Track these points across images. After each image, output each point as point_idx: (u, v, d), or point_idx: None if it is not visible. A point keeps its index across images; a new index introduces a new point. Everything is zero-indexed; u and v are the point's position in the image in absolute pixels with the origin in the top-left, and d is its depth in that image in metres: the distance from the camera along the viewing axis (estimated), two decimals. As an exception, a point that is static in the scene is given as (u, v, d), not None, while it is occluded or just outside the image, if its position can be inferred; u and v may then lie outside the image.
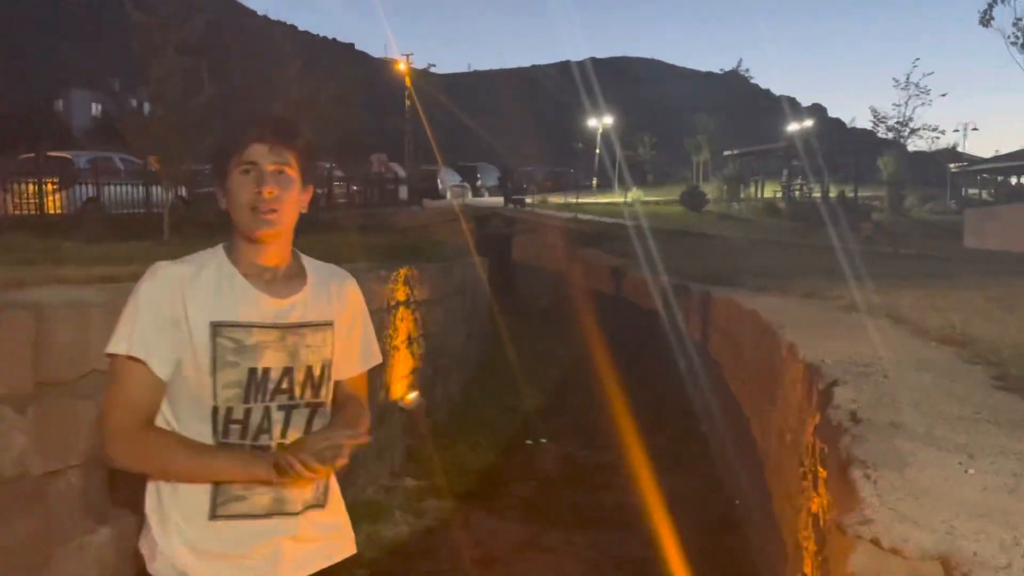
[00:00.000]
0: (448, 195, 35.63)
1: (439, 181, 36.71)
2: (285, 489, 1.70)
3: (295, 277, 1.79)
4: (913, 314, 4.72)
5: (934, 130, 23.97)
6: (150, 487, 1.73)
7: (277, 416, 1.71)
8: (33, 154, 17.90)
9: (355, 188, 26.56)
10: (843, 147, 40.02)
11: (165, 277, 1.68)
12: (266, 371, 1.69)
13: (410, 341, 7.33)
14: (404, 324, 7.06)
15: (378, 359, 1.97)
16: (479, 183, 43.77)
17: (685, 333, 9.80)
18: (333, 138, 22.50)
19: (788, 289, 7.09)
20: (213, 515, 1.67)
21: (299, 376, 1.73)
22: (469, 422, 8.60)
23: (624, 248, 17.45)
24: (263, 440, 1.70)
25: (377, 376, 6.59)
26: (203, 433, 1.67)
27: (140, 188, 17.29)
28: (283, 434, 1.71)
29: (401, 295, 7.01)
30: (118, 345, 1.66)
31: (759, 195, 40.37)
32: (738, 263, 12.61)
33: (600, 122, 45.90)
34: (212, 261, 1.73)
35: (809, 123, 44.43)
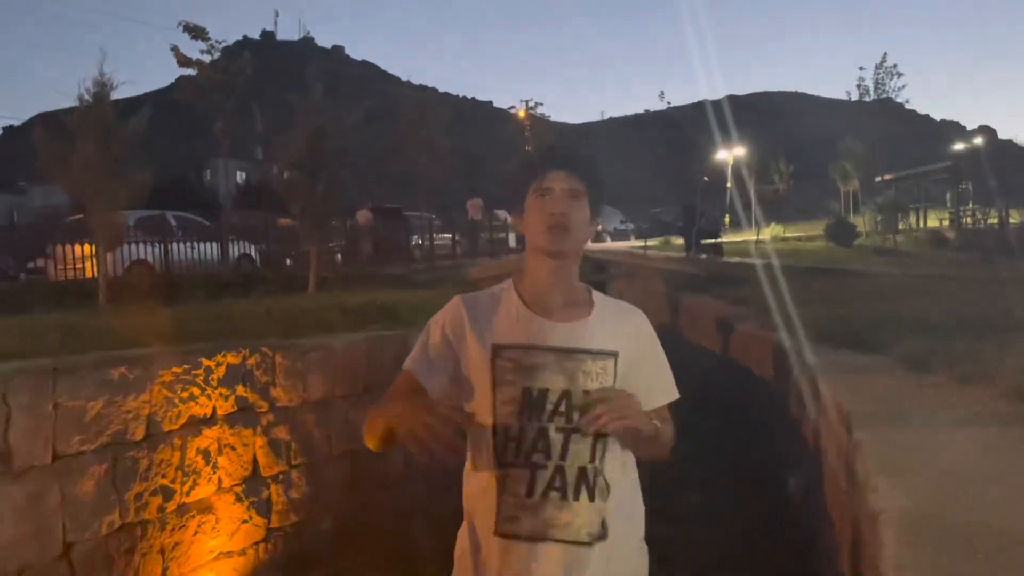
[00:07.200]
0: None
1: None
2: (551, 510, 1.71)
3: (579, 305, 1.84)
4: None
5: None
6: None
7: (556, 437, 1.72)
8: (83, 215, 16.76)
9: (455, 238, 24.84)
10: (1020, 167, 33.74)
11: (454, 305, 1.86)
12: (543, 392, 1.73)
13: (255, 479, 4.12)
14: (228, 456, 3.86)
15: (675, 394, 1.92)
16: (600, 228, 40.99)
17: (802, 425, 6.18)
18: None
19: (984, 372, 3.47)
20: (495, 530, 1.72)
21: (577, 401, 1.73)
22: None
23: (742, 294, 13.71)
24: (537, 459, 1.72)
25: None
26: (484, 450, 1.74)
27: (199, 246, 16.11)
28: (562, 456, 1.72)
29: (204, 405, 3.87)
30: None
31: (921, 224, 34.74)
32: (890, 309, 8.81)
33: (730, 155, 41.70)
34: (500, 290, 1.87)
35: (978, 141, 38.47)
